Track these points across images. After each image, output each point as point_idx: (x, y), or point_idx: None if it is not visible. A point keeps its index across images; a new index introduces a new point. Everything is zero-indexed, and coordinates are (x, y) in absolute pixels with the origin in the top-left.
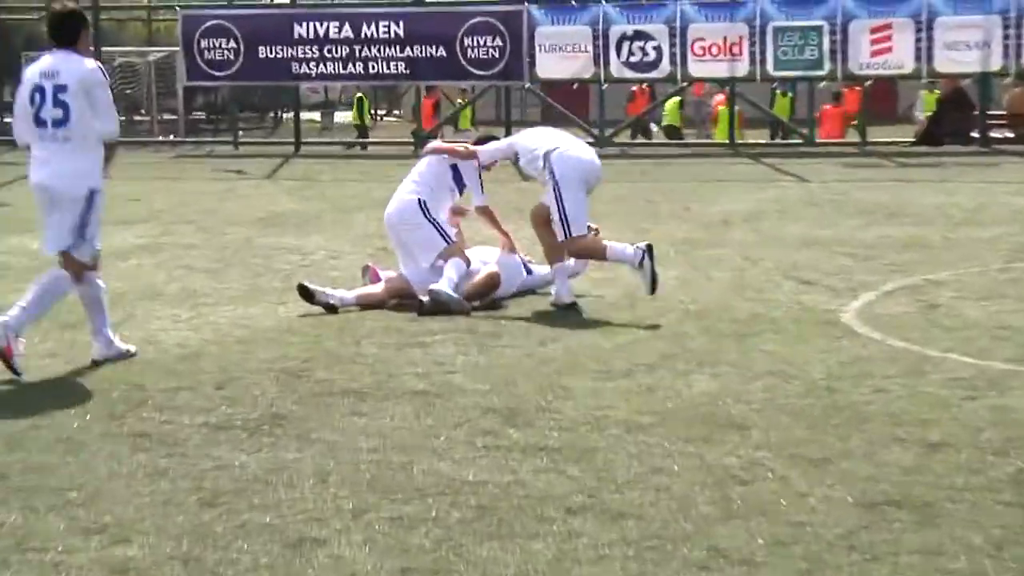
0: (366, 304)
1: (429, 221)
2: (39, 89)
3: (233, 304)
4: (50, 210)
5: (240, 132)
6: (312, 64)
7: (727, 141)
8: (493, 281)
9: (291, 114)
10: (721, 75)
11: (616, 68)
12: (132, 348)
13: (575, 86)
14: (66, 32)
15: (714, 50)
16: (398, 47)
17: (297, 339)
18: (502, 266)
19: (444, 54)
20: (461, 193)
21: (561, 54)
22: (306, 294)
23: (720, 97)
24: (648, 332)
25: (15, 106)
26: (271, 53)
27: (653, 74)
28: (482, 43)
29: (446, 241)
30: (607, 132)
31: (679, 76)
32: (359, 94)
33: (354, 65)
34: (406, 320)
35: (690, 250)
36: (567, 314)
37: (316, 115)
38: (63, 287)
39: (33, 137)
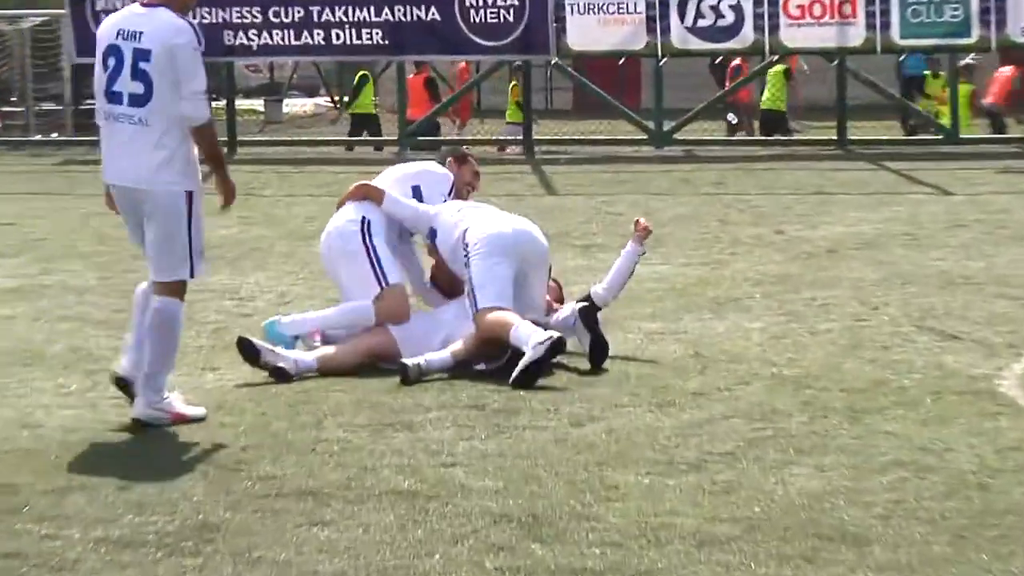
0: (331, 369)
1: (366, 248)
2: (114, 51)
3: None
4: (133, 218)
5: None
6: (252, 33)
7: (835, 138)
8: (505, 325)
9: (222, 103)
10: (827, 45)
11: (679, 36)
12: (200, 411)
13: (621, 62)
14: None
15: (817, 10)
16: (373, 8)
17: (233, 419)
18: None
19: (437, 17)
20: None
21: (602, 17)
22: (249, 353)
23: (1007, 70)
24: (726, 406)
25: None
26: (194, 18)
27: (730, 43)
28: (491, 1)
29: (380, 282)
30: (666, 126)
31: (767, 47)
32: (363, 71)
33: (311, 34)
34: (386, 391)
35: (784, 291)
36: (612, 382)
37: (258, 103)
38: (174, 312)
39: (103, 116)
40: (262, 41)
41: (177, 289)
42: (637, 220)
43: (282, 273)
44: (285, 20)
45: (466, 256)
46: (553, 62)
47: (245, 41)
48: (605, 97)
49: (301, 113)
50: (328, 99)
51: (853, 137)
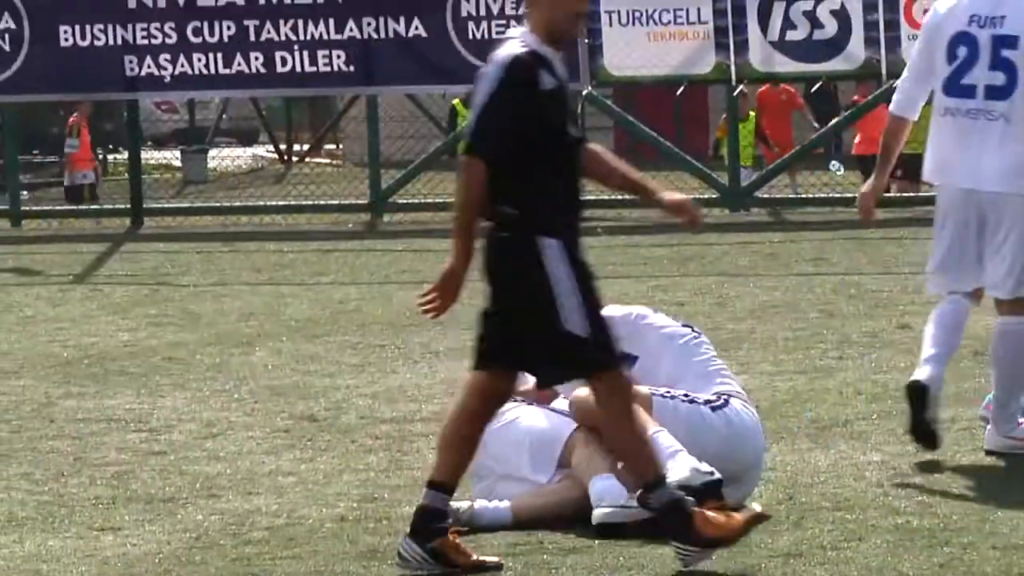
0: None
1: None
2: (966, 39)
3: (15, 531)
4: (970, 226)
5: (24, 193)
6: (164, 59)
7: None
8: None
9: (124, 155)
10: None
11: (761, 54)
12: None
13: (680, 91)
14: None
15: None
16: (333, 23)
17: None
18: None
19: (422, 32)
20: None
21: (652, 30)
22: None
23: None
24: (832, 572)
25: (912, 61)
26: (83, 39)
27: (833, 64)
28: (496, 10)
29: None
30: (745, 180)
31: (884, 68)
32: (456, 100)
33: (246, 59)
34: (357, 557)
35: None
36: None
37: (174, 156)
38: None
39: (942, 111)
40: (178, 70)
41: None
42: None
43: (209, 393)
44: (210, 40)
45: None
46: (585, 93)
47: (154, 70)
48: (659, 140)
49: (233, 168)
50: (271, 148)
51: None
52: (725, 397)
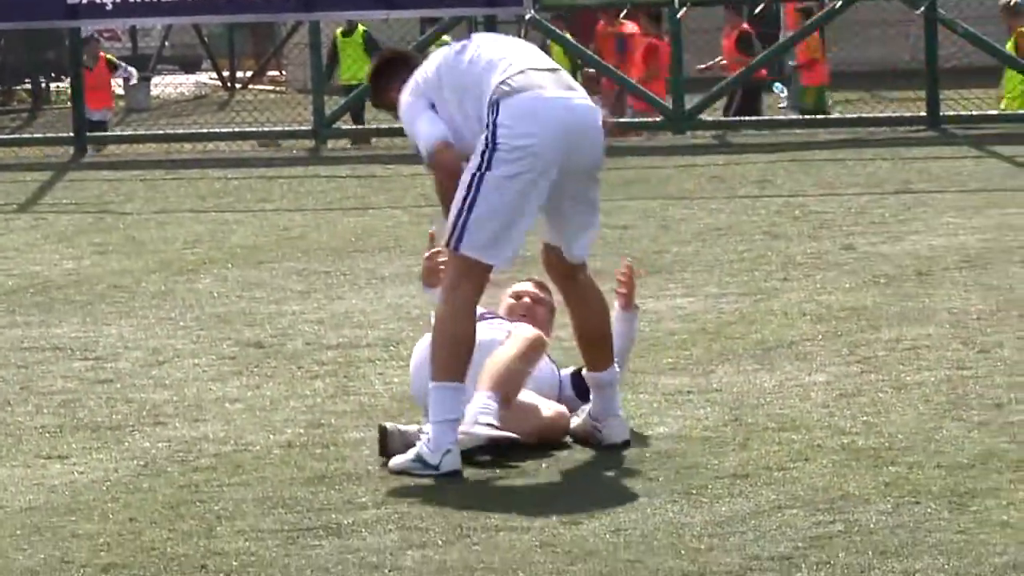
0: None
1: None
2: None
3: None
4: None
5: None
6: None
7: (924, 115)
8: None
9: (66, 83)
10: None
11: None
12: None
13: (623, 14)
14: None
15: None
16: None
17: (91, 527)
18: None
19: None
20: None
21: None
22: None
23: None
24: (778, 492)
25: None
26: None
27: None
28: None
29: None
30: (689, 103)
31: None
32: (337, 31)
33: None
34: (304, 483)
35: (856, 330)
36: (619, 461)
37: (116, 83)
38: None
39: None
40: None
41: None
42: (618, 271)
43: (154, 321)
44: None
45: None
46: (528, 17)
47: None
48: (602, 64)
49: (176, 96)
50: (214, 75)
51: (949, 113)
52: None
